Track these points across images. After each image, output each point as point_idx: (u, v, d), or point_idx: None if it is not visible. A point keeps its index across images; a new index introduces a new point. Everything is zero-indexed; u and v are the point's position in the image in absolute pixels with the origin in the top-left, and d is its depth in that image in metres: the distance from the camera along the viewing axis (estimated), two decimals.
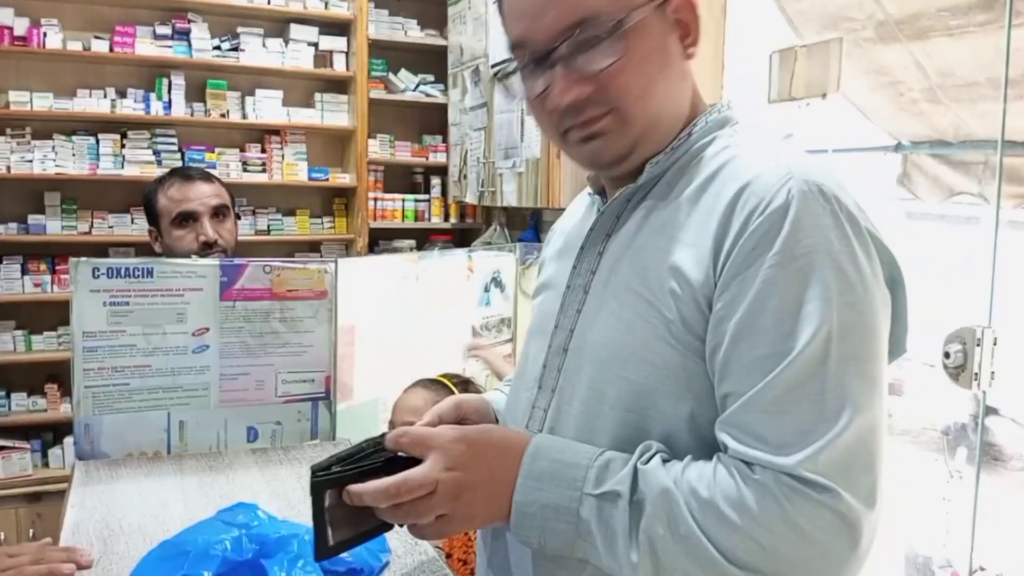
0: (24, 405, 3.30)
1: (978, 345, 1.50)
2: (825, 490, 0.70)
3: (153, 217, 1.97)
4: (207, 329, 1.55)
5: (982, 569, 3.04)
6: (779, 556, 0.71)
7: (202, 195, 1.93)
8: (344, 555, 1.02)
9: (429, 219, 3.98)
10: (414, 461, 0.78)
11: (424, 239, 4.04)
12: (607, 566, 0.76)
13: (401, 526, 0.81)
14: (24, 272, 3.31)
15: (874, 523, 0.73)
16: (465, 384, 1.65)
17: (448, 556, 1.45)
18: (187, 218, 1.91)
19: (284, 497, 1.29)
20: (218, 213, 1.95)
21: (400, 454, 0.80)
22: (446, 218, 4.01)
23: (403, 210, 3.92)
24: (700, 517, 0.73)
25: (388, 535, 0.99)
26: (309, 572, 0.93)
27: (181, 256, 1.85)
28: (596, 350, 0.84)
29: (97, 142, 3.39)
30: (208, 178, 2.00)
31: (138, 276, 1.49)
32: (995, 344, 1.57)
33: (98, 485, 1.35)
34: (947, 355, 1.60)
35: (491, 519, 0.80)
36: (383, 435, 0.81)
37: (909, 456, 3.92)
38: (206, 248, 1.89)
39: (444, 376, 1.65)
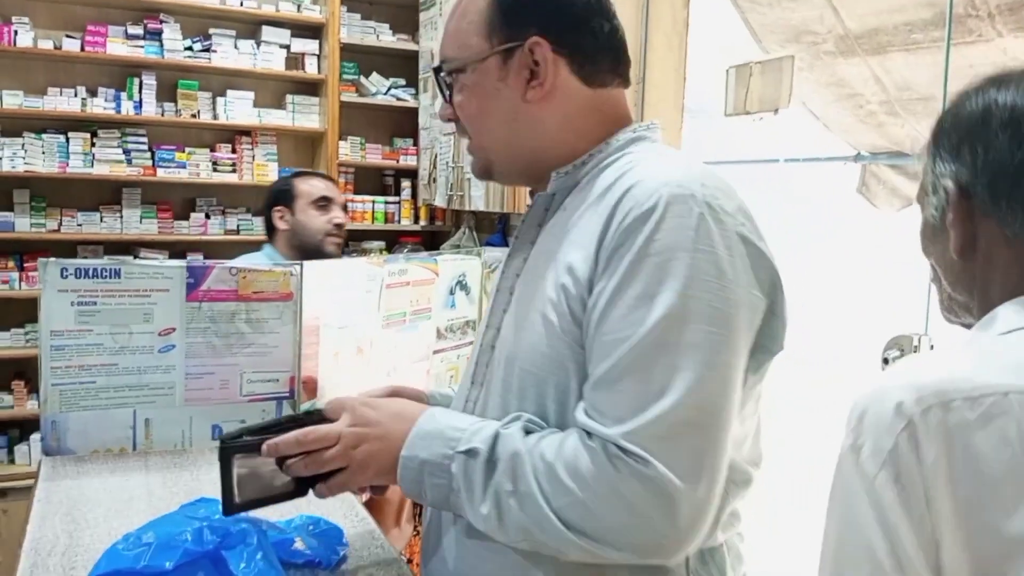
0: None
1: (915, 351, 1.58)
2: (641, 460, 0.77)
3: (287, 199, 2.43)
4: (173, 329, 1.59)
5: None
6: (603, 520, 0.79)
7: (334, 192, 2.50)
8: (302, 547, 1.07)
9: (399, 221, 4.02)
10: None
11: (394, 241, 4.08)
12: (471, 519, 0.87)
13: (303, 492, 0.95)
14: None
15: (699, 501, 0.79)
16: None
17: (409, 561, 1.50)
18: (326, 202, 2.44)
19: None
20: (344, 208, 2.54)
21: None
22: (416, 220, 4.05)
23: (373, 212, 3.96)
24: (541, 479, 0.82)
25: (348, 531, 1.07)
26: (269, 563, 0.97)
27: (312, 231, 2.42)
28: (507, 347, 0.95)
29: (67, 140, 3.40)
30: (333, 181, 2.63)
31: (106, 276, 1.53)
32: (931, 350, 1.65)
33: (64, 480, 1.38)
34: (886, 360, 1.68)
35: (381, 471, 0.92)
36: (307, 412, 0.95)
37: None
38: (338, 229, 2.45)
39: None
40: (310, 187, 2.45)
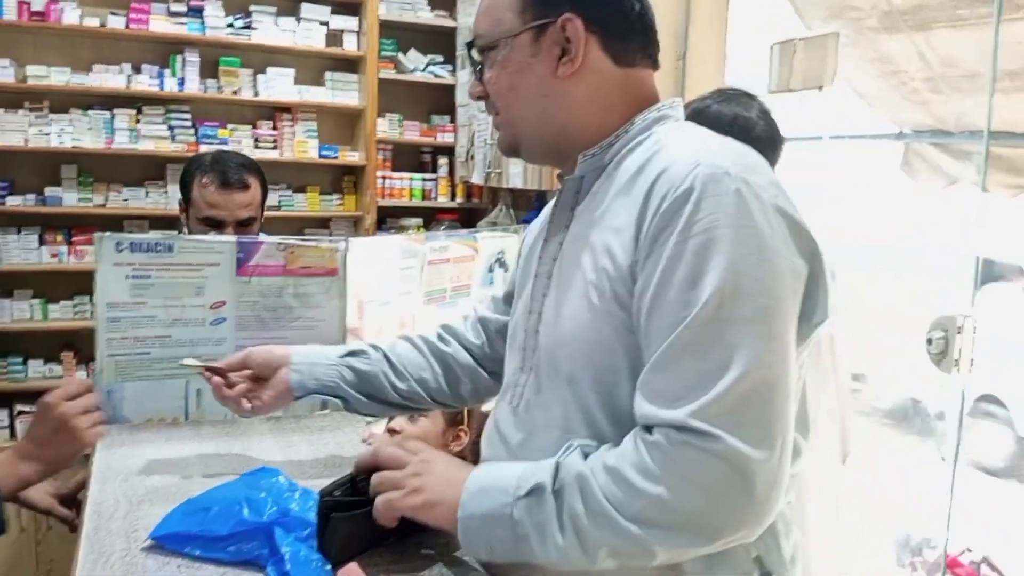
0: (41, 372, 3.40)
1: (959, 332, 1.57)
2: (710, 437, 0.78)
3: (186, 196, 2.02)
4: (224, 302, 1.63)
5: (969, 551, 3.13)
6: (681, 510, 0.79)
7: (233, 206, 1.97)
8: None
9: (436, 198, 4.05)
10: None
11: (431, 218, 4.11)
12: (546, 562, 0.85)
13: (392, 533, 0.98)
14: (41, 243, 3.39)
15: (773, 470, 0.80)
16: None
17: None
18: (213, 223, 1.97)
19: (297, 464, 1.37)
20: (244, 223, 1.99)
21: None
22: (453, 198, 4.08)
23: (411, 189, 3.99)
24: (610, 488, 0.82)
25: None
26: (314, 550, 0.97)
27: None
28: (552, 332, 0.96)
29: (113, 117, 3.46)
30: (245, 186, 1.98)
31: (159, 251, 1.57)
32: (975, 332, 1.64)
33: (121, 448, 1.43)
34: (929, 341, 1.67)
35: (443, 512, 0.91)
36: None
37: (902, 441, 4.00)
38: None
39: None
40: (200, 199, 1.99)
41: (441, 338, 1.37)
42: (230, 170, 1.97)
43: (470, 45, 1.03)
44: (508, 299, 1.26)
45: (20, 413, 3.33)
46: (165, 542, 1.02)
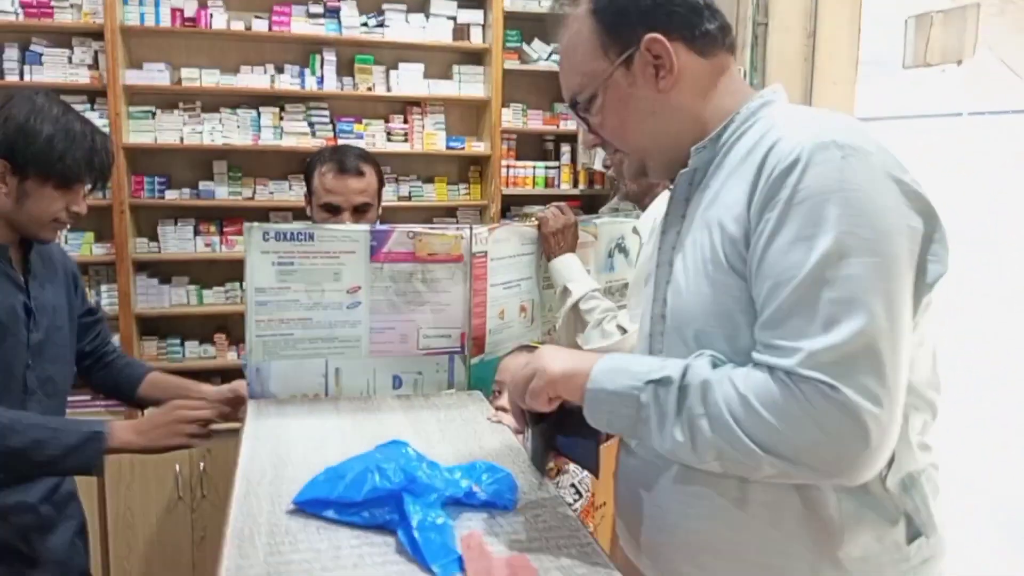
0: (196, 352, 3.68)
1: None
2: (827, 384, 0.82)
3: (308, 186, 2.18)
4: (359, 287, 1.74)
5: None
6: (795, 440, 0.84)
7: (350, 191, 2.10)
8: (479, 491, 1.16)
9: (559, 186, 4.09)
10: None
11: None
12: (657, 445, 0.94)
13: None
14: (196, 233, 3.67)
15: (885, 421, 0.83)
16: None
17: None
18: (332, 209, 2.10)
19: (426, 437, 1.44)
20: (360, 209, 2.12)
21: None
22: (575, 184, 4.11)
23: (534, 177, 4.05)
24: (733, 404, 0.87)
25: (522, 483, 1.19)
26: (439, 512, 1.04)
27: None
28: (680, 314, 1.01)
29: (258, 115, 3.69)
30: (360, 173, 2.12)
31: (301, 240, 1.69)
32: None
33: (268, 420, 1.56)
34: None
35: (575, 383, 1.00)
36: None
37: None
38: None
39: (540, 344, 1.77)
40: (320, 186, 2.11)
41: None
42: (347, 159, 2.11)
43: (574, 106, 1.09)
44: None
45: None
46: (306, 507, 1.11)
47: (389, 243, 1.74)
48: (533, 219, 2.02)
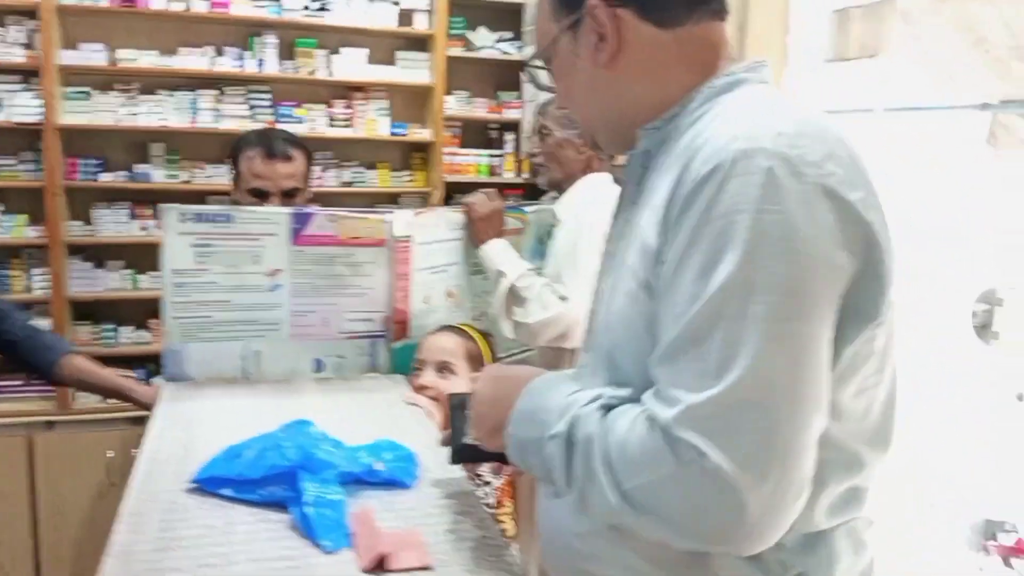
0: (131, 338, 3.62)
1: (999, 303, 1.54)
2: (694, 449, 0.71)
3: (235, 172, 2.12)
4: (280, 270, 1.73)
5: None
6: (670, 505, 0.74)
7: (278, 176, 2.03)
8: (381, 468, 1.17)
9: (502, 174, 4.10)
10: None
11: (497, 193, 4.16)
12: (564, 496, 0.85)
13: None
14: (132, 217, 3.61)
15: (769, 492, 0.71)
16: (487, 335, 1.78)
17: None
18: (260, 194, 2.04)
19: (340, 419, 1.43)
20: (289, 194, 2.05)
21: None
22: (519, 173, 4.13)
23: (477, 165, 4.06)
24: (609, 461, 0.78)
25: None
26: (335, 489, 1.06)
27: None
28: (603, 316, 0.93)
29: (197, 97, 3.63)
30: (288, 157, 2.05)
31: (220, 221, 1.68)
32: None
33: (183, 402, 1.55)
34: (974, 314, 1.64)
35: (498, 427, 0.95)
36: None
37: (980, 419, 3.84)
38: None
39: (467, 325, 1.79)
40: (247, 170, 2.06)
41: None
42: (274, 143, 2.04)
43: (530, 66, 1.02)
44: None
45: None
46: (205, 485, 1.12)
47: (311, 226, 1.73)
48: (461, 205, 2.03)
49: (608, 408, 0.83)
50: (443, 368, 1.66)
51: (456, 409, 1.08)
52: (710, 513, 0.72)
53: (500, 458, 1.04)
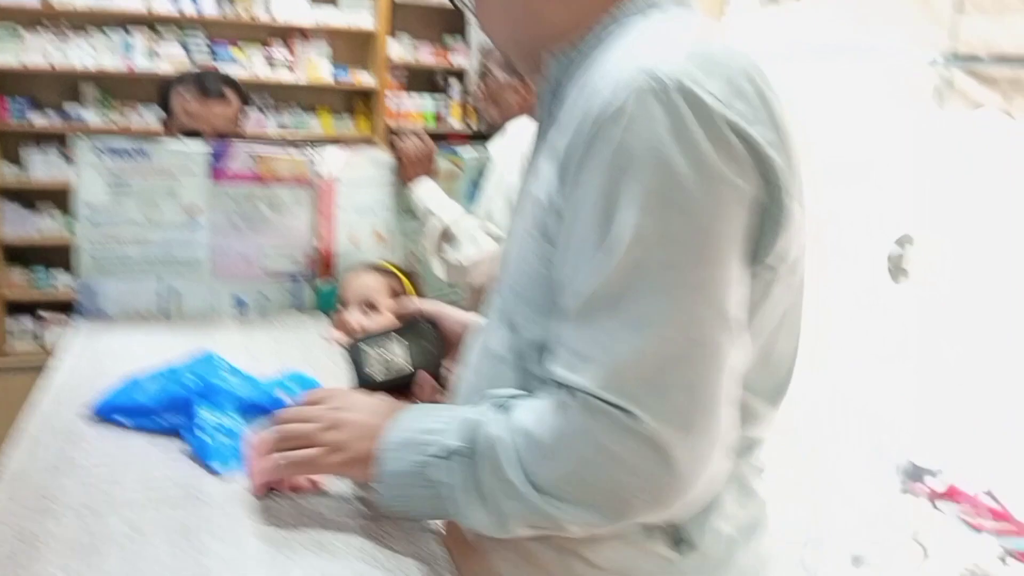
0: (64, 281, 3.56)
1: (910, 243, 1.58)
2: (621, 411, 0.68)
3: (168, 111, 2.06)
4: (199, 208, 1.70)
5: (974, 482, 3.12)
6: (599, 484, 0.70)
7: (212, 117, 1.97)
8: (284, 397, 1.17)
9: (448, 121, 4.06)
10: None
11: (442, 141, 4.13)
12: (468, 523, 0.77)
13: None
14: (66, 159, 3.51)
15: (698, 444, 0.69)
16: (409, 274, 1.78)
17: None
18: (192, 135, 1.94)
19: (258, 356, 1.42)
20: (223, 136, 1.97)
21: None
22: (465, 120, 4.09)
23: (423, 112, 4.01)
24: (524, 457, 0.73)
25: None
26: (233, 417, 1.06)
27: None
28: (505, 262, 0.87)
29: (132, 38, 3.52)
30: (223, 97, 1.99)
31: (136, 156, 1.65)
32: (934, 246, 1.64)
33: (95, 337, 1.53)
34: (889, 257, 1.68)
35: (363, 470, 0.82)
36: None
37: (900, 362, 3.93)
38: None
39: (389, 263, 1.78)
40: (181, 111, 1.99)
41: None
42: (208, 82, 1.99)
43: None
44: None
45: (43, 320, 3.51)
46: (104, 413, 1.11)
47: (231, 163, 1.70)
48: (390, 145, 2.01)
49: (502, 407, 0.77)
50: (366, 305, 1.65)
51: (355, 347, 1.07)
52: (639, 476, 0.69)
53: (401, 390, 1.05)
